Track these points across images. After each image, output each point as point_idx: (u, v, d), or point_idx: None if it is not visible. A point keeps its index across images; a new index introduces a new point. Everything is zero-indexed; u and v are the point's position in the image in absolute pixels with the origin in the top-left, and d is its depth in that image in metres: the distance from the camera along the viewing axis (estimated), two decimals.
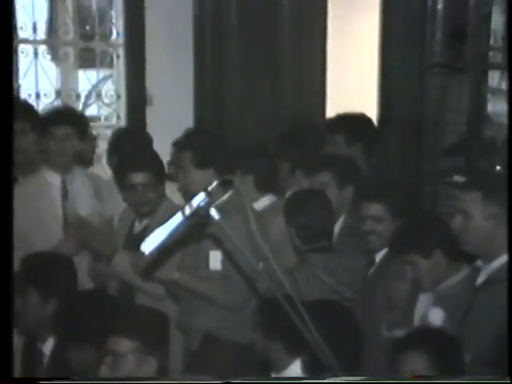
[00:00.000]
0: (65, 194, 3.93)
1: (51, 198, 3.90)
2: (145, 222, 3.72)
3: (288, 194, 3.95)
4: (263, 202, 3.88)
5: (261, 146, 4.19)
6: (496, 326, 2.70)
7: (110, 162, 4.32)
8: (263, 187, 3.90)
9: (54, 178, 3.94)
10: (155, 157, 3.86)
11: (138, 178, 3.62)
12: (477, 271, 2.92)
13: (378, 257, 3.50)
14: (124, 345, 2.71)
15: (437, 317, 2.92)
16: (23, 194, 3.83)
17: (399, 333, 3.05)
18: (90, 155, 4.62)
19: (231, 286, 3.42)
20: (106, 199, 3.99)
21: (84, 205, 3.92)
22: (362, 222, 3.48)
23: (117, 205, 3.90)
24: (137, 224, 3.78)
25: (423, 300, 3.20)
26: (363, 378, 2.22)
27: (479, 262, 2.93)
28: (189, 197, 3.28)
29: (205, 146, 3.62)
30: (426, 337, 2.68)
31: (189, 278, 3.50)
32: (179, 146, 3.75)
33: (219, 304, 3.47)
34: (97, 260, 3.76)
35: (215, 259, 3.46)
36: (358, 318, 3.08)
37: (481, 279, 2.88)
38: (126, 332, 2.73)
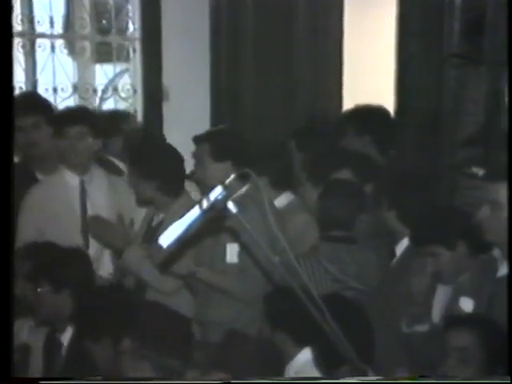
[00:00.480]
0: (83, 194, 3.94)
1: (70, 198, 3.92)
2: (161, 215, 3.73)
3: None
4: (281, 201, 3.86)
5: (277, 144, 4.19)
6: None
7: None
8: (280, 186, 3.88)
9: (72, 179, 3.95)
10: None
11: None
12: (497, 262, 2.91)
13: (399, 249, 3.48)
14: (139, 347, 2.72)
15: (468, 306, 2.91)
16: (43, 193, 3.85)
17: (420, 328, 3.05)
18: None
19: (248, 278, 3.43)
20: (123, 199, 3.99)
21: (102, 205, 3.93)
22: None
23: (133, 203, 3.91)
24: (155, 218, 3.79)
25: (442, 293, 3.19)
26: (363, 378, 2.22)
27: (498, 252, 2.92)
28: (206, 190, 3.36)
29: (222, 139, 3.64)
30: (472, 318, 2.73)
31: (206, 271, 3.51)
32: (197, 139, 3.76)
33: (236, 297, 3.47)
34: (116, 256, 3.78)
35: (232, 252, 3.47)
36: (369, 311, 3.08)
37: (503, 270, 2.87)
38: (141, 334, 2.74)
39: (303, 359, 3.06)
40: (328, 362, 2.81)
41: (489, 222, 2.85)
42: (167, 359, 2.78)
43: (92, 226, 3.81)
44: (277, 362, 3.06)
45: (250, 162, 3.52)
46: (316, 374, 2.90)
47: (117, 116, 4.94)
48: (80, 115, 4.02)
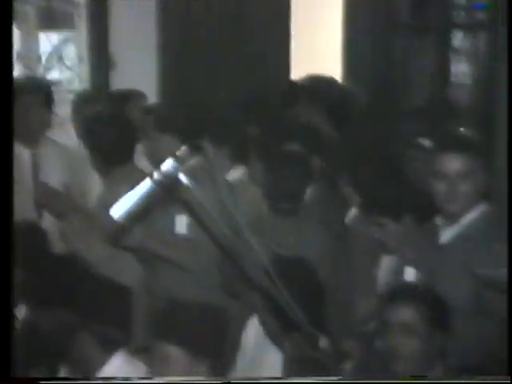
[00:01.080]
0: (35, 167, 3.88)
1: (21, 172, 3.84)
2: (109, 185, 3.71)
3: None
4: (233, 175, 3.86)
5: (227, 116, 4.18)
6: (466, 283, 2.76)
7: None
8: (232, 159, 3.87)
9: (23, 152, 3.87)
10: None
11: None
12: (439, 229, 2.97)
13: (348, 220, 3.53)
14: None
15: (411, 276, 2.97)
16: None
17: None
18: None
19: (197, 249, 3.45)
20: (76, 169, 3.95)
21: (54, 177, 3.87)
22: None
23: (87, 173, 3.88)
24: (104, 188, 3.77)
25: (387, 264, 3.24)
26: (363, 378, 2.26)
27: (440, 220, 2.98)
28: (155, 162, 3.36)
29: (168, 110, 3.62)
30: (413, 291, 2.75)
31: (155, 242, 3.51)
32: (145, 111, 3.73)
33: (185, 267, 3.49)
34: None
35: (181, 223, 3.47)
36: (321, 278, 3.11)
37: (447, 236, 2.93)
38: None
39: (254, 329, 3.09)
40: (277, 328, 2.84)
41: (438, 195, 2.90)
42: (109, 331, 2.78)
43: (37, 193, 3.76)
44: (229, 331, 3.07)
45: (198, 134, 3.51)
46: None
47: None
48: (32, 85, 3.93)
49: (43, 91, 3.93)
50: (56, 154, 3.97)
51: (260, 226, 3.48)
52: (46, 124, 3.91)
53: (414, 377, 2.55)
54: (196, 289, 3.47)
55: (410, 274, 2.97)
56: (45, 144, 3.95)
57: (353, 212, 3.52)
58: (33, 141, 3.88)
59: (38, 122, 3.85)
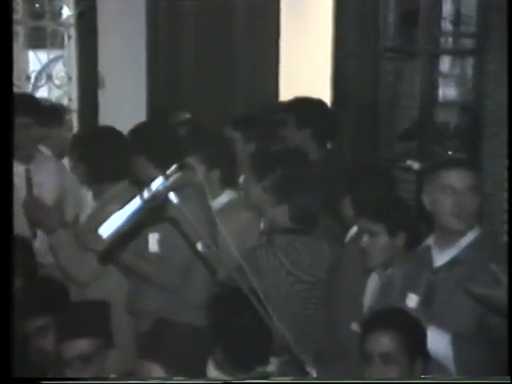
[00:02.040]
0: (29, 183, 3.87)
1: (16, 188, 3.83)
2: (100, 202, 3.70)
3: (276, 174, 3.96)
4: (222, 199, 3.85)
5: (215, 135, 4.19)
6: (462, 306, 2.75)
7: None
8: (221, 182, 3.86)
9: (17, 168, 3.87)
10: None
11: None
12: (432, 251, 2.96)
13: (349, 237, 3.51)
14: (87, 345, 2.69)
15: (413, 302, 2.93)
16: None
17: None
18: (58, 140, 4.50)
19: (168, 266, 3.45)
20: (69, 185, 3.95)
21: (48, 193, 3.86)
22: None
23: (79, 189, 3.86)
24: (95, 204, 3.77)
25: (373, 286, 3.23)
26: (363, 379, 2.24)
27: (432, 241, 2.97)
28: (144, 182, 3.36)
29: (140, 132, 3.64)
30: (393, 316, 2.72)
31: (129, 255, 3.51)
32: (129, 133, 3.75)
33: (155, 284, 3.49)
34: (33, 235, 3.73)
35: (153, 241, 3.48)
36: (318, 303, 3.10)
37: (439, 261, 2.93)
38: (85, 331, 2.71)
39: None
40: (264, 352, 2.82)
41: (428, 214, 2.90)
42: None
43: (26, 207, 3.74)
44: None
45: (186, 154, 3.52)
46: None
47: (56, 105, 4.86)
48: (26, 105, 3.93)
49: (37, 109, 3.93)
50: (50, 169, 3.96)
51: (270, 245, 3.48)
52: (40, 140, 3.92)
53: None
54: (174, 307, 3.47)
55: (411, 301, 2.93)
56: (39, 159, 3.94)
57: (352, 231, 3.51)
58: (27, 156, 3.88)
59: (32, 138, 3.86)
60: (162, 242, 3.46)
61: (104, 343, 2.72)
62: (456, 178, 2.85)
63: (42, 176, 3.92)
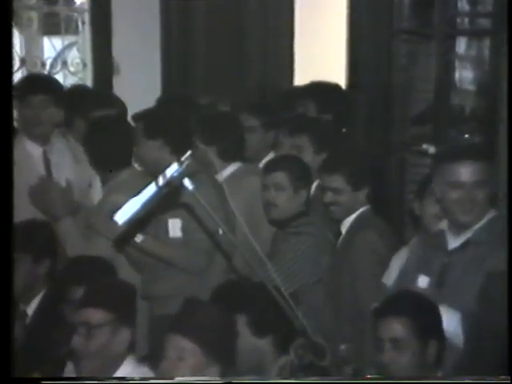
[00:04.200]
0: (47, 164, 3.89)
1: (34, 169, 3.86)
2: (109, 188, 3.72)
3: (265, 159, 3.96)
4: (229, 170, 3.86)
5: (227, 115, 4.18)
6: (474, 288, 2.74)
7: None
8: (229, 157, 3.87)
9: (34, 149, 3.89)
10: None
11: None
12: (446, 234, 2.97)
13: (344, 227, 3.50)
14: (98, 316, 2.72)
15: (424, 283, 2.95)
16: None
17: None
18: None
19: (193, 250, 3.47)
20: (84, 167, 3.96)
21: (66, 174, 3.88)
22: (325, 193, 3.50)
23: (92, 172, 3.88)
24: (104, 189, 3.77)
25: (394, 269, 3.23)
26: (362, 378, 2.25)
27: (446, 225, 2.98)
28: (149, 168, 3.39)
29: (155, 116, 3.65)
30: (404, 301, 2.72)
31: (151, 241, 3.53)
32: (134, 118, 3.77)
33: (180, 268, 3.51)
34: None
35: (174, 227, 3.49)
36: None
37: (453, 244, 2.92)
38: (99, 304, 2.74)
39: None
40: (280, 336, 2.83)
41: (450, 203, 2.90)
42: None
43: (34, 192, 3.74)
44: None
45: (183, 140, 3.52)
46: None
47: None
48: (43, 84, 3.95)
49: (53, 89, 3.93)
50: (66, 150, 3.97)
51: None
52: (56, 122, 3.94)
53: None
54: (192, 290, 3.49)
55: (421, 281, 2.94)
56: (55, 141, 3.97)
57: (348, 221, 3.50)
58: (44, 138, 3.89)
59: (48, 119, 3.87)
60: (183, 227, 3.47)
61: (116, 320, 2.73)
62: (463, 172, 2.85)
63: (57, 158, 3.92)
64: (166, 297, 3.53)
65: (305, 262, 3.42)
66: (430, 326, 2.64)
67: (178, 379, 2.42)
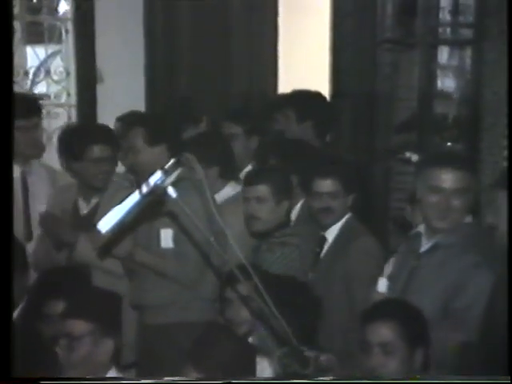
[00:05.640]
0: (24, 186, 3.88)
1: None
2: (94, 201, 3.69)
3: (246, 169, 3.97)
4: (226, 192, 3.85)
5: (213, 130, 4.20)
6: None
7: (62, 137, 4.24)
8: (228, 176, 3.86)
9: (14, 170, 3.88)
10: (111, 130, 3.84)
11: (97, 151, 3.62)
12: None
13: (330, 235, 3.51)
14: (80, 327, 2.70)
15: (383, 287, 2.98)
16: None
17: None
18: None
19: (185, 261, 3.45)
20: (62, 187, 3.94)
21: (42, 195, 3.87)
22: (317, 199, 3.50)
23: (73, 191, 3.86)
24: (83, 204, 3.74)
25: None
26: (362, 378, 2.25)
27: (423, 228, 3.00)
28: (141, 175, 3.37)
29: (156, 123, 3.63)
30: (392, 306, 2.73)
31: (144, 252, 3.51)
32: (129, 122, 3.73)
33: (172, 279, 3.49)
34: (57, 249, 3.70)
35: (166, 237, 3.48)
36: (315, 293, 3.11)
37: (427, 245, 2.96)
38: (81, 314, 2.72)
39: None
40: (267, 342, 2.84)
41: (427, 209, 2.92)
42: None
43: (43, 223, 3.73)
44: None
45: (185, 146, 3.52)
46: None
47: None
48: (28, 107, 3.93)
49: (33, 111, 3.93)
50: (43, 174, 3.96)
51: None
52: (35, 142, 3.94)
53: (414, 377, 2.54)
54: (185, 302, 3.48)
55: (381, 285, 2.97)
56: (33, 163, 3.97)
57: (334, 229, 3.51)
58: (23, 159, 3.89)
59: (28, 140, 3.86)
60: (174, 238, 3.45)
61: (100, 330, 2.72)
62: (444, 178, 2.87)
63: (35, 180, 3.92)
64: (157, 306, 3.51)
65: (290, 272, 3.42)
66: (417, 332, 2.66)
67: (177, 380, 2.41)
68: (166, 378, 2.27)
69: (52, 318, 2.95)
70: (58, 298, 2.95)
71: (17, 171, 3.87)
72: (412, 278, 2.91)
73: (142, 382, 2.44)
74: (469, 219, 2.95)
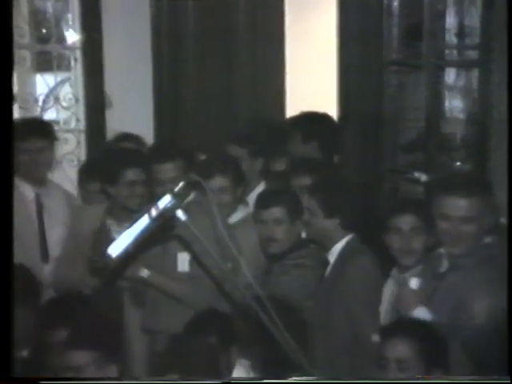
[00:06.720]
0: (39, 207, 3.91)
1: (26, 212, 3.86)
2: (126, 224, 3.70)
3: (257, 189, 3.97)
4: (236, 216, 3.84)
5: (223, 152, 4.21)
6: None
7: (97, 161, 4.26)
8: (233, 200, 3.85)
9: (28, 192, 3.91)
10: (143, 154, 3.89)
11: (131, 175, 3.66)
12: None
13: (332, 256, 3.50)
14: (82, 357, 2.70)
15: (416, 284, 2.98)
16: None
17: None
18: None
19: (199, 286, 3.44)
20: (77, 211, 3.96)
21: (58, 218, 3.89)
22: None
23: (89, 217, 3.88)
24: (114, 226, 3.74)
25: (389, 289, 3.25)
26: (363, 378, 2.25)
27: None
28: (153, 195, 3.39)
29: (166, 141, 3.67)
30: (411, 323, 2.74)
31: (158, 276, 3.51)
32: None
33: (187, 304, 3.47)
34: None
35: (183, 261, 3.47)
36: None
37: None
38: (84, 344, 2.72)
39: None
40: (275, 367, 2.82)
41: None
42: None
43: (69, 242, 3.74)
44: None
45: (196, 166, 3.54)
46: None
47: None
48: (42, 129, 3.98)
49: (47, 133, 3.97)
50: (59, 195, 3.99)
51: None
52: (48, 164, 3.99)
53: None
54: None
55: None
56: (47, 184, 4.01)
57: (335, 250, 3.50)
58: (39, 181, 3.93)
59: (41, 162, 3.92)
60: (191, 262, 3.45)
61: (102, 357, 2.71)
62: (452, 207, 2.89)
63: (50, 202, 3.93)
64: (171, 332, 3.50)
65: (303, 294, 3.42)
66: (434, 350, 2.65)
67: (176, 380, 2.41)
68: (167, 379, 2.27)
69: (55, 347, 2.94)
70: (61, 327, 2.94)
71: (31, 192, 3.90)
72: (432, 297, 2.90)
73: (143, 382, 2.44)
74: (488, 239, 2.95)
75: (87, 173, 4.19)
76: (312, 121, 4.31)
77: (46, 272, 3.76)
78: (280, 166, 4.18)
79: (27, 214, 3.88)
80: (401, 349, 2.63)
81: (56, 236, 3.87)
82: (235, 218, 3.81)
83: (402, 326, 2.75)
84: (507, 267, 2.59)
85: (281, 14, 5.28)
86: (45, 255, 3.86)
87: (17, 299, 3.20)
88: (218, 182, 3.69)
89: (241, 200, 3.89)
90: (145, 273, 3.49)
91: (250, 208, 3.87)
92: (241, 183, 3.83)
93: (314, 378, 2.16)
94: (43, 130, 3.97)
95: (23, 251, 3.65)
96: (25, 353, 3.16)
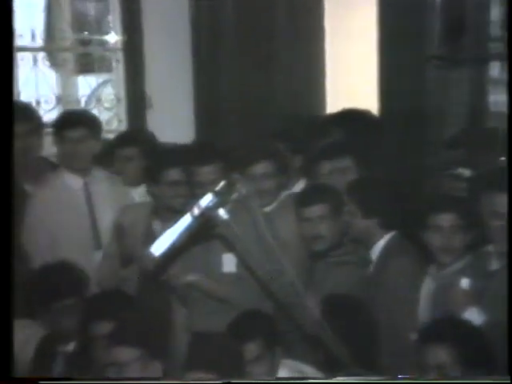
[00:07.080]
0: (88, 196, 3.94)
1: (75, 202, 3.91)
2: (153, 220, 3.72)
3: (299, 188, 3.94)
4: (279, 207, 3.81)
5: (263, 145, 4.18)
6: None
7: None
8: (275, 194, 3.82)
9: (75, 182, 3.95)
10: (185, 154, 3.89)
11: (174, 174, 3.67)
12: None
13: (374, 254, 3.47)
14: (127, 353, 2.71)
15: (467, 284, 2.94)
16: (48, 200, 3.82)
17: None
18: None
19: (246, 287, 3.42)
20: (124, 199, 4.00)
21: (106, 206, 3.93)
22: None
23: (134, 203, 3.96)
24: (158, 225, 3.72)
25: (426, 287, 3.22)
26: (363, 378, 2.23)
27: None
28: (194, 195, 3.40)
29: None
30: (452, 328, 2.69)
31: (205, 280, 3.50)
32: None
33: (232, 305, 3.46)
34: (124, 264, 3.74)
35: (229, 262, 3.46)
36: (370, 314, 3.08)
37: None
38: (129, 340, 2.73)
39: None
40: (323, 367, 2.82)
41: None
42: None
43: (114, 234, 3.78)
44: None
45: (236, 166, 3.52)
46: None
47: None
48: (81, 118, 4.02)
49: (91, 123, 4.03)
50: (107, 182, 4.02)
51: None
52: (96, 154, 4.02)
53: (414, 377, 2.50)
54: None
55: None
56: (96, 173, 4.03)
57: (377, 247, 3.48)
58: (84, 171, 3.96)
59: (87, 152, 3.95)
60: (237, 263, 3.44)
61: (146, 353, 2.72)
62: (503, 204, 2.84)
63: (99, 191, 3.97)
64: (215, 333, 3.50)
65: (351, 291, 3.39)
66: (476, 354, 2.60)
67: (176, 380, 2.41)
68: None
69: (99, 340, 2.96)
70: (105, 321, 2.97)
71: (79, 182, 3.94)
72: (483, 297, 2.87)
73: (143, 382, 2.44)
74: None
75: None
76: (355, 118, 4.27)
77: (93, 266, 3.78)
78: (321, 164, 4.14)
79: (76, 204, 3.92)
80: (442, 354, 2.58)
81: (107, 222, 3.88)
82: (276, 208, 3.77)
83: (443, 329, 2.68)
84: (507, 266, 2.54)
85: (321, 11, 5.26)
86: (97, 242, 3.89)
87: (63, 295, 3.29)
88: (261, 167, 3.63)
89: (286, 187, 3.85)
90: (192, 277, 3.48)
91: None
92: (285, 170, 3.79)
93: (360, 377, 2.14)
94: (83, 120, 4.00)
95: (74, 243, 3.74)
96: (70, 347, 3.21)
